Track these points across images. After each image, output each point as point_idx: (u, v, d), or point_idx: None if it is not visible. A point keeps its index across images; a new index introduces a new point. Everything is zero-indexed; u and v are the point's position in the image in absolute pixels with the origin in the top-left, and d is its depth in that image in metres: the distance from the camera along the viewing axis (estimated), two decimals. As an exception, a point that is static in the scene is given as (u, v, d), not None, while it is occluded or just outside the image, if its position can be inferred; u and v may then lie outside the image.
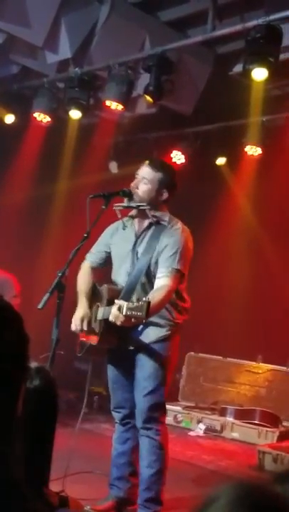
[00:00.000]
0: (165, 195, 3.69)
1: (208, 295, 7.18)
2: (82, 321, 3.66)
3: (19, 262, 6.21)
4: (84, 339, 3.82)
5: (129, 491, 3.74)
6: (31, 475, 1.35)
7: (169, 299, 3.55)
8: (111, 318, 3.33)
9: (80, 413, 3.82)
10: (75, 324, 3.67)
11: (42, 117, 6.23)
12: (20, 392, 1.21)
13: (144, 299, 3.23)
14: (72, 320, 3.71)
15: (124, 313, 3.19)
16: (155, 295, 3.40)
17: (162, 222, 3.69)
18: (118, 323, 3.30)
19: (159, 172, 3.68)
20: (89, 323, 3.73)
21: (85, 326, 3.65)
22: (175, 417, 6.64)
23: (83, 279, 3.86)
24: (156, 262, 3.59)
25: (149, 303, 3.13)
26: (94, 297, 3.78)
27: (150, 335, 3.60)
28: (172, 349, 3.69)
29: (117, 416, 3.82)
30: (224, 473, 4.94)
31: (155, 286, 3.53)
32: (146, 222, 3.72)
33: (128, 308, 3.17)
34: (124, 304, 3.22)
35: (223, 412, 6.57)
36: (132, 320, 3.25)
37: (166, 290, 3.49)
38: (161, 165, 3.83)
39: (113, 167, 7.55)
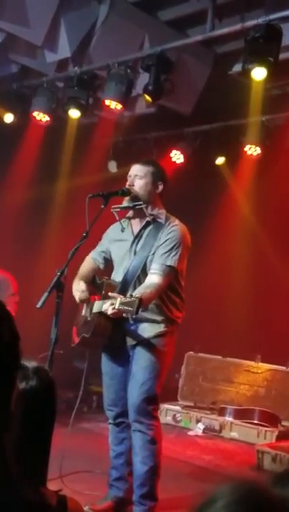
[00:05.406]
0: (160, 187, 3.78)
1: (208, 294, 7.18)
2: (83, 290, 3.78)
3: (18, 261, 6.20)
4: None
5: (127, 491, 3.74)
6: (29, 475, 1.34)
7: (158, 296, 3.59)
8: (104, 307, 3.42)
9: (78, 412, 3.81)
10: (78, 291, 3.79)
11: (41, 117, 6.23)
12: (14, 391, 1.21)
13: (136, 295, 3.29)
14: (74, 291, 3.80)
15: (116, 307, 3.27)
16: (144, 292, 3.43)
17: (159, 220, 3.74)
18: (110, 315, 3.41)
19: (150, 166, 3.82)
20: (85, 317, 3.76)
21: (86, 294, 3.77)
22: (174, 417, 6.64)
23: (85, 264, 3.99)
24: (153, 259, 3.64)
25: (140, 300, 3.20)
26: (93, 290, 3.83)
27: (148, 331, 3.64)
28: (169, 345, 3.71)
29: (110, 414, 3.82)
30: (223, 473, 4.93)
31: (146, 282, 3.57)
32: (143, 221, 3.76)
33: (121, 303, 3.25)
34: (118, 298, 3.29)
35: (222, 412, 6.56)
36: (123, 314, 3.37)
37: (155, 288, 3.53)
38: (149, 160, 4.09)
39: (112, 167, 7.54)
